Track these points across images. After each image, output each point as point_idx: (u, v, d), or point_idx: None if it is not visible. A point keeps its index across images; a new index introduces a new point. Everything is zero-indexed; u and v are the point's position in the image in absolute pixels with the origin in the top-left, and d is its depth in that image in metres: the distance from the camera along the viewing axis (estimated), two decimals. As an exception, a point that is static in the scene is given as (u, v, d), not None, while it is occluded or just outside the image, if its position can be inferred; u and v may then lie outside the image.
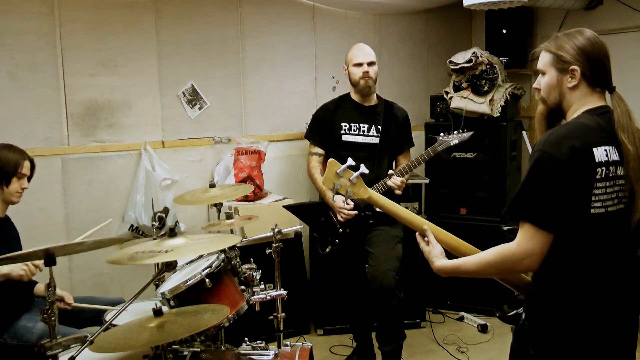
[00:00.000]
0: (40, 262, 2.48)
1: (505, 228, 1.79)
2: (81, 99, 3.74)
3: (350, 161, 1.98)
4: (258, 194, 4.07)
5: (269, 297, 2.70)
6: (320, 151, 3.44)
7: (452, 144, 3.21)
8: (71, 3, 3.66)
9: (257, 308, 2.66)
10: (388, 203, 2.00)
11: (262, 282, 2.72)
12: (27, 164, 2.75)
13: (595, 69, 1.70)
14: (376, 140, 3.33)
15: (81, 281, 3.71)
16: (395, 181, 3.13)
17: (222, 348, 2.61)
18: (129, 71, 3.87)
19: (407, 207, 4.04)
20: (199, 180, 4.11)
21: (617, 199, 1.64)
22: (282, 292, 2.74)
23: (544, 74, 1.77)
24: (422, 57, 5.04)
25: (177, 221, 3.97)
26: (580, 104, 1.72)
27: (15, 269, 2.47)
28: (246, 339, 2.67)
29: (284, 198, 4.07)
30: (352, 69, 3.31)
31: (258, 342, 2.60)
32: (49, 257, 1.84)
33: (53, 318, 1.83)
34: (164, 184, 3.87)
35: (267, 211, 3.87)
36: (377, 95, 3.43)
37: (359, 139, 3.33)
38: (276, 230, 2.81)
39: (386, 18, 4.82)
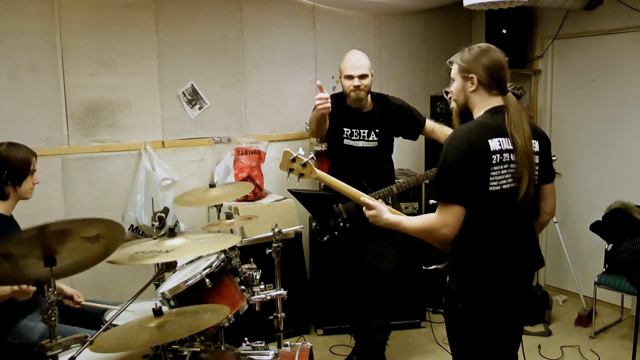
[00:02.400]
0: (31, 287, 2.46)
1: (431, 202, 2.12)
2: (81, 99, 3.74)
3: (300, 150, 2.46)
4: (258, 194, 4.07)
5: (269, 297, 2.70)
6: None
7: None
8: (71, 3, 3.66)
9: (257, 308, 2.66)
10: (333, 181, 2.43)
11: (262, 282, 2.72)
12: (34, 159, 2.79)
13: (491, 77, 2.10)
14: (375, 144, 3.35)
15: (81, 282, 3.70)
16: None
17: (222, 348, 2.61)
18: (129, 71, 3.87)
19: (406, 207, 4.07)
20: (199, 180, 4.11)
21: (512, 179, 2.05)
22: (282, 292, 2.74)
23: (454, 80, 2.20)
24: (422, 57, 5.04)
25: (177, 221, 3.97)
26: (482, 104, 2.13)
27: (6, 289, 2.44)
28: (246, 339, 2.67)
29: (284, 198, 4.07)
30: (343, 80, 3.27)
31: (258, 342, 2.61)
32: (48, 258, 1.83)
33: (53, 318, 1.83)
34: (164, 184, 3.87)
35: (267, 211, 3.87)
36: (370, 95, 3.38)
37: (360, 144, 3.34)
38: (276, 230, 2.81)
39: (386, 18, 4.82)
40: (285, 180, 4.47)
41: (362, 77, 3.21)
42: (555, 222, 4.47)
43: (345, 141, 3.34)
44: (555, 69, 4.76)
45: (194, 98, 4.11)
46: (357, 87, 3.21)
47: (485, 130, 2.04)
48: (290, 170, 2.44)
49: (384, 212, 2.25)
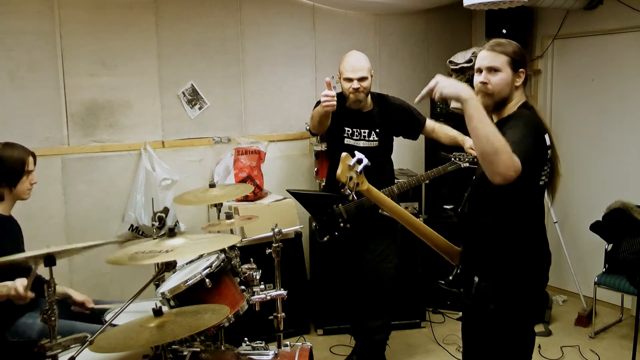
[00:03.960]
0: (29, 293, 2.37)
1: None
2: (81, 99, 3.74)
3: (358, 154, 2.21)
4: (258, 194, 4.07)
5: (269, 297, 2.70)
6: None
7: (463, 166, 3.22)
8: (71, 3, 3.66)
9: (257, 308, 2.66)
10: (382, 196, 2.25)
11: (262, 282, 2.72)
12: (31, 159, 2.75)
13: (525, 74, 2.15)
14: (376, 144, 3.35)
15: (81, 281, 3.71)
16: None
17: (222, 348, 2.61)
18: (129, 71, 3.87)
19: (406, 208, 4.07)
20: (199, 180, 4.11)
21: (548, 174, 2.11)
22: (282, 292, 2.74)
23: (498, 71, 2.11)
24: (422, 57, 5.04)
25: (177, 221, 3.97)
26: (518, 99, 2.15)
27: (9, 288, 2.37)
28: (246, 339, 2.67)
29: (284, 198, 4.07)
30: (343, 82, 3.28)
31: (258, 342, 2.60)
32: (48, 258, 1.84)
33: (53, 318, 1.83)
34: (164, 184, 3.87)
35: (267, 211, 3.87)
36: (370, 95, 3.38)
37: (361, 144, 3.34)
38: (276, 230, 2.81)
39: (386, 18, 4.82)
40: (285, 180, 4.52)
41: (362, 79, 3.21)
42: (555, 222, 4.47)
43: (347, 140, 3.34)
44: (555, 69, 4.76)
45: (194, 98, 4.11)
46: (356, 90, 3.22)
47: (541, 127, 2.08)
48: (350, 179, 2.11)
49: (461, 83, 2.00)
